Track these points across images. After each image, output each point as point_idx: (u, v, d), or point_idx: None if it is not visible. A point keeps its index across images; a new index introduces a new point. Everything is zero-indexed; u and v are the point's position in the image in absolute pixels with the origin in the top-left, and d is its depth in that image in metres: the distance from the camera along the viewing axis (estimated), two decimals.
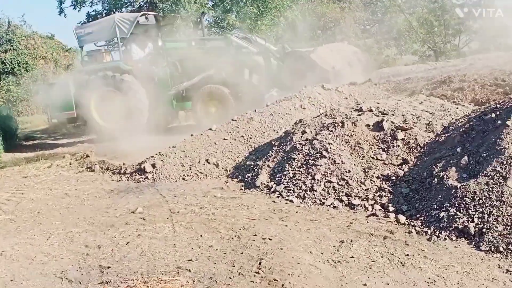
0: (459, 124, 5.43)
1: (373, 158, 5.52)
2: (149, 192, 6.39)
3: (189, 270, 3.79)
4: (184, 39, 13.62)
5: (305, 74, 10.41)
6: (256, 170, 6.31)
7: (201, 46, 12.03)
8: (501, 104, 5.24)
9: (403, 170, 5.21)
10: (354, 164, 5.48)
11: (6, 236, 5.15)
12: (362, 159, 5.56)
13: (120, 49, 12.27)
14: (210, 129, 7.76)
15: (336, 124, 6.09)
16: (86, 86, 11.96)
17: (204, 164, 6.99)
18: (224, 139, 7.45)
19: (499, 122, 4.79)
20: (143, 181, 6.97)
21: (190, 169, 6.93)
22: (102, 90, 11.80)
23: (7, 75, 20.23)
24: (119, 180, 7.27)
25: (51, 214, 5.91)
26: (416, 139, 5.55)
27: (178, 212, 5.36)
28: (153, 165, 7.10)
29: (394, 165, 5.34)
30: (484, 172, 4.26)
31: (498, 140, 4.51)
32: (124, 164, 7.81)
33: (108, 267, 4.02)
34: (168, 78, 11.90)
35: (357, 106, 6.61)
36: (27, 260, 4.39)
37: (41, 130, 17.65)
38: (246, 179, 6.31)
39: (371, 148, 5.68)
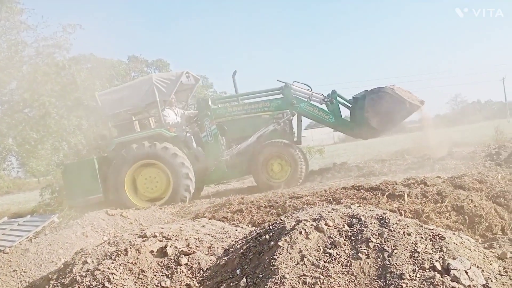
0: (238, 246, 5.72)
1: (157, 286, 5.41)
2: None
3: None
4: (231, 96, 12.84)
5: (392, 112, 10.62)
6: None
7: (251, 102, 11.56)
8: (274, 225, 5.70)
9: None
10: None
11: None
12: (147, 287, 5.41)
13: (161, 114, 10.85)
14: None
15: (119, 252, 5.88)
16: (116, 162, 10.25)
17: None
18: None
19: (272, 243, 5.17)
20: None
21: None
22: (138, 164, 10.31)
23: None
24: None
25: None
26: (199, 263, 5.65)
27: None
28: None
29: None
30: None
31: (272, 261, 4.83)
32: None
33: None
34: (218, 143, 10.87)
35: (141, 232, 6.54)
36: None
37: None
38: None
39: (155, 275, 5.58)
